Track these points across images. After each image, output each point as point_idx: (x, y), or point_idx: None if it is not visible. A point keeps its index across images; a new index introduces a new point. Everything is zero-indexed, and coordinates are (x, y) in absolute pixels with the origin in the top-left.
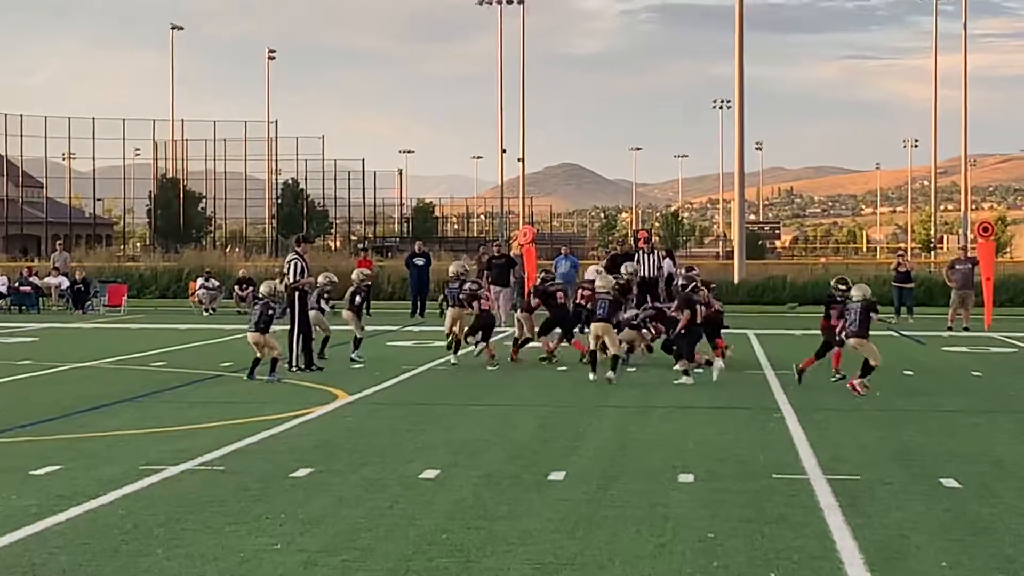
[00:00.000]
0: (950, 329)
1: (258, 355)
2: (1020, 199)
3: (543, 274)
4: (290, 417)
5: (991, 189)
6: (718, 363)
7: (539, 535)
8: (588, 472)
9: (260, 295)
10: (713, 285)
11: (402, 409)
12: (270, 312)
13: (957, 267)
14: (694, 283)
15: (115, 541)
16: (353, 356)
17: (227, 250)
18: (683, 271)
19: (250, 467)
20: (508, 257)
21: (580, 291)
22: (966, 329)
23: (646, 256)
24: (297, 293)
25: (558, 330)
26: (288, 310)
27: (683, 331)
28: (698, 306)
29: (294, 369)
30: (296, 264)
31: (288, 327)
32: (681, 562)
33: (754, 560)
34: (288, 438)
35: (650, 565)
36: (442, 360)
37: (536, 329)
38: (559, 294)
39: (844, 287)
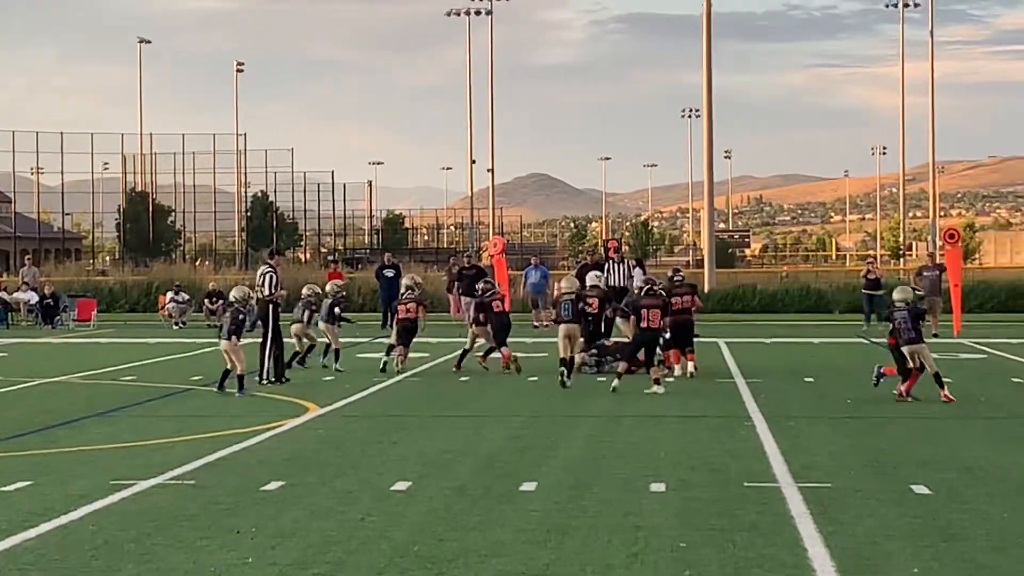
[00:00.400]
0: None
1: (228, 366)
2: (988, 206)
3: (483, 284)
4: (261, 430)
5: (959, 196)
6: (659, 387)
7: (511, 546)
8: (560, 482)
9: (231, 300)
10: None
11: (373, 421)
12: (240, 318)
13: (925, 274)
14: (651, 285)
15: (86, 557)
16: (330, 364)
17: (197, 263)
18: (646, 275)
19: (221, 481)
20: (478, 268)
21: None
22: (935, 336)
23: (616, 265)
24: (271, 306)
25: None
26: (261, 322)
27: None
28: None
29: (264, 382)
30: (270, 276)
31: (260, 339)
32: (653, 571)
33: (725, 568)
34: (259, 451)
35: (622, 575)
36: (413, 372)
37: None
38: (495, 304)
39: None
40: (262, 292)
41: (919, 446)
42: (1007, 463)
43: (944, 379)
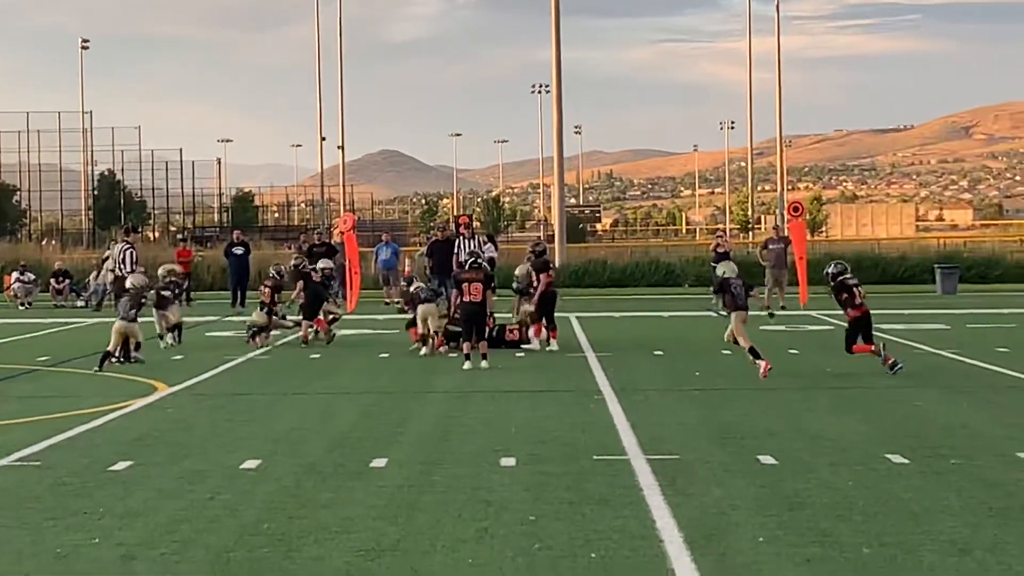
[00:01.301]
0: (767, 309)
1: (110, 348)
2: (835, 179)
3: (295, 259)
4: (109, 410)
5: (806, 169)
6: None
7: (361, 522)
8: (410, 458)
9: (131, 286)
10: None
11: (223, 400)
12: (142, 301)
13: (771, 247)
14: (474, 259)
15: None
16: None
17: (43, 243)
18: (532, 246)
19: (67, 462)
20: (329, 245)
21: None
22: (783, 308)
23: (465, 241)
24: None
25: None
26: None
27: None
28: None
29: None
30: (130, 253)
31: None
32: (503, 545)
33: (575, 541)
34: (107, 431)
35: (472, 549)
36: (264, 350)
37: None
38: (313, 274)
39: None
40: (122, 269)
41: (766, 417)
42: (851, 433)
43: (790, 351)
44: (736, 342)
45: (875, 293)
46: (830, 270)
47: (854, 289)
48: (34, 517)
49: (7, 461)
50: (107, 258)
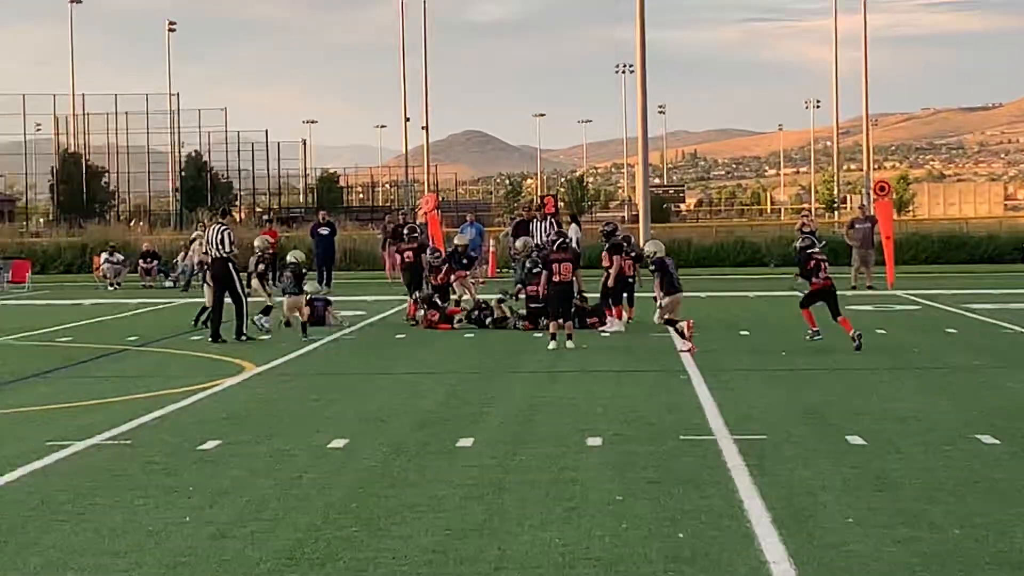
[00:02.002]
0: (854, 288)
1: (290, 319)
2: (922, 158)
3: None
4: (198, 390)
5: (893, 148)
6: (571, 342)
7: (448, 501)
8: (496, 438)
9: (291, 261)
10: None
11: (310, 380)
12: (301, 273)
13: (857, 226)
14: (561, 239)
15: (22, 517)
16: (262, 323)
17: (131, 224)
18: (603, 226)
19: (158, 441)
20: (413, 226)
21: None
22: (870, 288)
23: (539, 223)
24: (230, 263)
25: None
26: (216, 280)
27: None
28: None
29: (244, 338)
30: (229, 234)
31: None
32: (590, 525)
33: (662, 521)
34: (196, 411)
35: (559, 529)
36: (350, 330)
37: None
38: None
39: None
40: (221, 250)
41: (853, 398)
42: (939, 413)
43: (878, 331)
44: (669, 323)
45: (963, 273)
46: (798, 244)
47: (822, 264)
48: (126, 495)
49: (99, 440)
50: (195, 239)
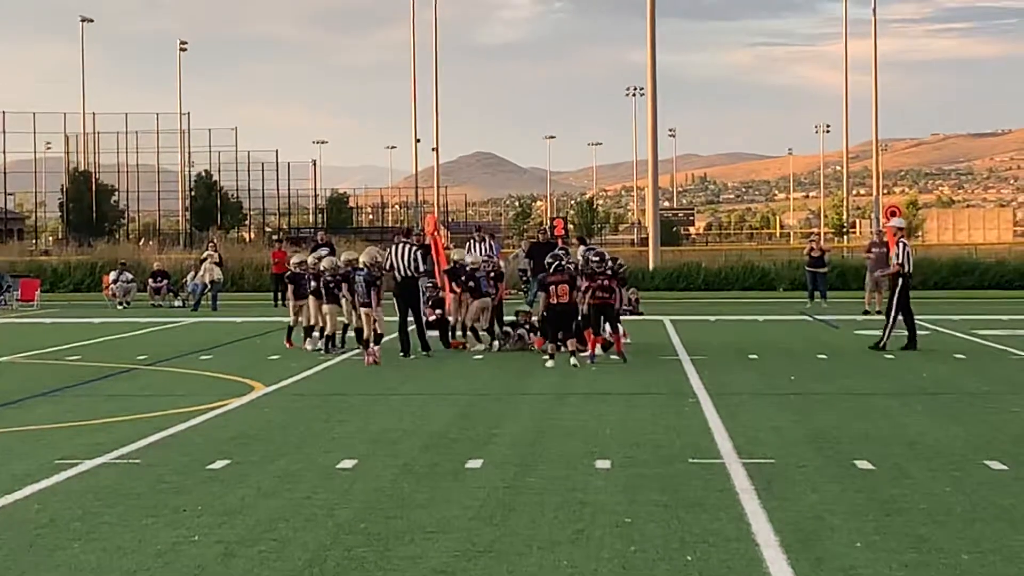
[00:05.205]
0: (867, 313)
1: (361, 327)
2: (931, 183)
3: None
4: (206, 409)
5: (902, 173)
6: (574, 359)
7: (457, 523)
8: (505, 459)
9: (363, 264)
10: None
11: (319, 400)
12: (378, 282)
13: (873, 250)
14: (558, 261)
15: (31, 536)
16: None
17: (141, 243)
18: (589, 254)
19: (167, 460)
20: (423, 246)
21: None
22: (879, 312)
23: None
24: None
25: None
26: (401, 298)
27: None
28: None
29: (413, 356)
30: (421, 253)
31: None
32: (599, 547)
33: (670, 544)
34: (205, 430)
35: (567, 551)
36: (357, 351)
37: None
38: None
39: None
40: (412, 269)
41: (862, 422)
42: (948, 438)
43: (886, 356)
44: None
45: (972, 299)
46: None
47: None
48: (135, 514)
49: (108, 459)
50: (205, 259)
